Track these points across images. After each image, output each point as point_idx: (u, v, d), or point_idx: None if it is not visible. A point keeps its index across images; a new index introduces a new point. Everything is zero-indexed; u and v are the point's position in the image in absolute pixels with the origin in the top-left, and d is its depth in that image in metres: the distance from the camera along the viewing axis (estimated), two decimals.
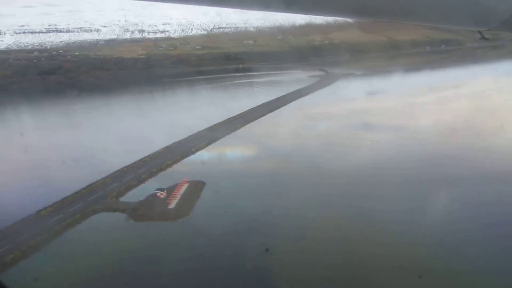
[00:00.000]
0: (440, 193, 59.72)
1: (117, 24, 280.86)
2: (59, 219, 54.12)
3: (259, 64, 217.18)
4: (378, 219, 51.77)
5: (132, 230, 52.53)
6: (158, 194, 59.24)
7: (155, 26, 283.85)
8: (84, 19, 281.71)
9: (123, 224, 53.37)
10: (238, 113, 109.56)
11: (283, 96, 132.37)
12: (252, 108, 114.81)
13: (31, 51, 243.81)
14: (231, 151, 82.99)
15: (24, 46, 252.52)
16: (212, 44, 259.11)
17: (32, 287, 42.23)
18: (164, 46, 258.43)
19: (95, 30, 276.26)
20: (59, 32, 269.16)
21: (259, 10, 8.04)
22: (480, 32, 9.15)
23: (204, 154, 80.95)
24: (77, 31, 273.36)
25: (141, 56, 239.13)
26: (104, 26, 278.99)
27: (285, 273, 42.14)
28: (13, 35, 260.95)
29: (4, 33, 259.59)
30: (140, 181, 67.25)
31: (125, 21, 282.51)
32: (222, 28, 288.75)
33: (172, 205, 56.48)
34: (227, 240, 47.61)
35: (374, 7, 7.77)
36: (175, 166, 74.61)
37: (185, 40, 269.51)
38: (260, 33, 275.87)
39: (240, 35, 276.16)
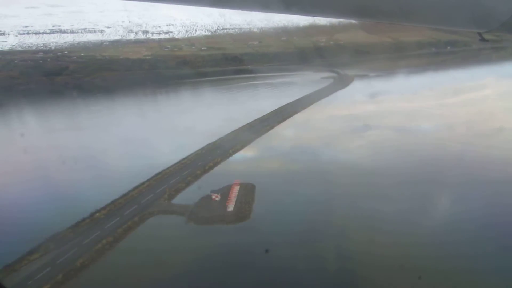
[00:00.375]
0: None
1: (121, 25, 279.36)
2: (117, 222, 53.93)
3: (266, 66, 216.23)
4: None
5: (197, 233, 52.32)
6: (213, 196, 59.03)
7: (159, 27, 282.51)
8: (88, 20, 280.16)
9: (185, 227, 53.18)
10: (265, 113, 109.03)
11: (304, 97, 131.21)
12: (278, 109, 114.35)
13: (36, 52, 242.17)
14: (270, 152, 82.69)
15: (29, 47, 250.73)
16: (217, 45, 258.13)
17: None
18: (169, 47, 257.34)
19: (99, 31, 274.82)
20: (63, 33, 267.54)
21: (259, 11, 8.21)
22: (479, 34, 9.32)
23: (243, 155, 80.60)
24: (81, 32, 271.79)
25: (147, 57, 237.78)
26: (108, 27, 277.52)
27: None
28: (17, 35, 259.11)
29: (8, 34, 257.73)
30: (187, 183, 66.97)
31: (129, 22, 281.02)
32: (226, 29, 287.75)
33: (230, 208, 56.30)
34: (301, 243, 47.61)
35: (374, 9, 7.99)
36: (217, 168, 74.01)
37: (190, 41, 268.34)
38: (264, 34, 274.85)
39: (244, 36, 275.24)
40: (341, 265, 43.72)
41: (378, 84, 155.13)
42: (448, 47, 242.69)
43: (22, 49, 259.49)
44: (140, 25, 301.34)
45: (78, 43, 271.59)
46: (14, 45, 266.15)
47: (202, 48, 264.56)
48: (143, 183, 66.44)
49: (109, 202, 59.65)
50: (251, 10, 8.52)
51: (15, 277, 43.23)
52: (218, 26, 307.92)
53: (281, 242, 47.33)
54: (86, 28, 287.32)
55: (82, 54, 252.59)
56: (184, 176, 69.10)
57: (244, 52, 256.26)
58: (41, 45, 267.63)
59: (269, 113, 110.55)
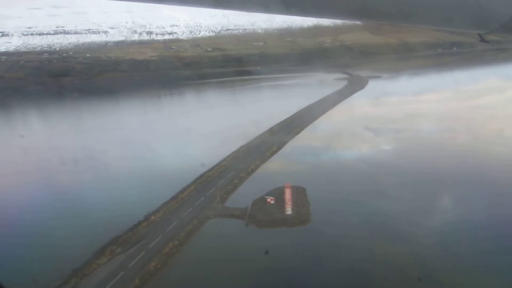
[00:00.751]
0: None
1: (125, 26, 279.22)
2: (177, 225, 53.58)
3: (274, 67, 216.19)
4: None
5: (262, 236, 51.90)
6: (268, 200, 58.49)
7: (163, 27, 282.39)
8: (91, 21, 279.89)
9: (247, 230, 52.86)
10: (291, 114, 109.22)
11: (325, 98, 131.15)
12: (303, 110, 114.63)
13: (41, 53, 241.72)
14: (307, 153, 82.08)
15: (33, 48, 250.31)
16: (222, 46, 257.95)
17: None
18: (174, 48, 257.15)
19: (103, 31, 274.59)
20: (67, 34, 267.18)
21: (260, 12, 8.20)
22: (479, 35, 9.42)
23: (282, 157, 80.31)
24: (85, 33, 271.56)
25: (153, 58, 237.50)
26: (112, 28, 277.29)
27: None
28: (20, 36, 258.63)
29: (12, 35, 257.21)
30: (235, 186, 66.51)
31: (133, 22, 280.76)
32: (230, 30, 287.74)
33: (289, 211, 55.61)
34: (373, 246, 47.43)
35: (374, 10, 8.00)
36: (260, 171, 73.57)
37: (194, 42, 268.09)
38: (269, 35, 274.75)
39: (249, 37, 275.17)
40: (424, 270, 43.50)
41: (394, 85, 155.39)
42: (454, 48, 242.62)
43: (26, 50, 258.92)
44: (144, 26, 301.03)
45: (83, 44, 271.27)
46: (18, 46, 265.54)
47: (208, 49, 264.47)
48: (188, 186, 66.04)
49: (160, 205, 59.43)
50: (252, 11, 8.57)
51: (88, 282, 42.87)
52: (222, 27, 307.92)
53: (350, 245, 47.14)
54: (90, 29, 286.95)
55: (88, 55, 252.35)
56: (229, 179, 68.62)
57: (249, 53, 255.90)
58: (46, 46, 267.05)
59: (295, 114, 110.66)
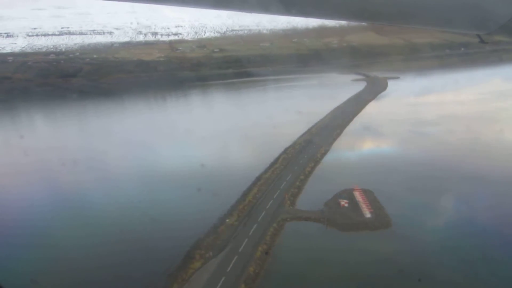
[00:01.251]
0: None
1: (130, 27, 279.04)
2: (257, 228, 53.21)
3: (284, 67, 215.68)
4: None
5: (348, 240, 50.88)
6: (342, 202, 58.02)
7: (168, 28, 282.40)
8: (96, 21, 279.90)
9: (330, 233, 52.30)
10: (323, 116, 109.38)
11: (351, 98, 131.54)
12: (334, 110, 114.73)
13: (47, 53, 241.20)
14: (356, 153, 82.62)
15: (39, 48, 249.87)
16: (228, 47, 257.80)
17: None
18: (180, 48, 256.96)
19: (108, 32, 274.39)
20: (72, 34, 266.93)
21: (259, 13, 8.30)
22: (479, 36, 9.32)
23: (333, 158, 79.97)
24: (90, 34, 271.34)
25: (160, 59, 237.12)
26: (117, 29, 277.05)
27: None
28: (25, 37, 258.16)
29: (17, 36, 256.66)
30: (298, 188, 65.74)
31: (137, 23, 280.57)
32: (235, 30, 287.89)
33: (368, 214, 55.19)
34: (466, 249, 46.95)
35: (373, 11, 7.97)
36: (317, 173, 72.74)
37: (200, 42, 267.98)
38: (274, 36, 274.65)
39: (254, 37, 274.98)
40: None
41: (416, 86, 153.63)
42: (462, 49, 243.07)
43: (32, 51, 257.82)
44: (149, 26, 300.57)
45: (88, 45, 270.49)
46: (24, 47, 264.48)
47: (215, 50, 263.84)
48: (250, 189, 65.45)
49: (229, 207, 59.05)
50: (251, 12, 8.48)
51: (191, 287, 42.47)
52: (227, 28, 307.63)
53: (442, 249, 47.20)
54: (95, 30, 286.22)
55: (95, 56, 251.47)
56: (290, 181, 68.06)
57: (257, 54, 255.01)
58: (51, 47, 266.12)
59: (328, 115, 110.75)
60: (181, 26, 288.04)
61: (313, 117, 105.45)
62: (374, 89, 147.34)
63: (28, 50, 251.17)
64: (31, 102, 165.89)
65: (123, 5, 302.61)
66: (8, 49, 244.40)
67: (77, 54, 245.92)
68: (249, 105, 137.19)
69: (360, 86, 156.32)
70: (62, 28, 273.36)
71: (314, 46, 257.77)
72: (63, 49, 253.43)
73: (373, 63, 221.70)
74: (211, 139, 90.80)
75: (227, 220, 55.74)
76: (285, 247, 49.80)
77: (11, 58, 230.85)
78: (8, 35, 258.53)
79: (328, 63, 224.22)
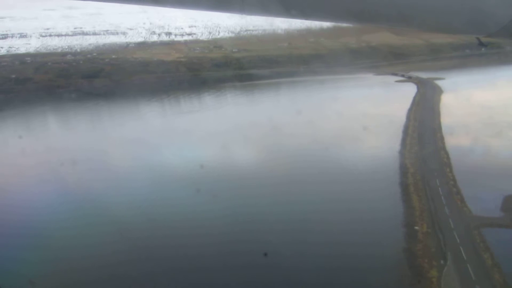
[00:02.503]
0: None
1: (143, 27, 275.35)
2: (457, 236, 51.54)
3: (308, 67, 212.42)
4: None
5: None
6: None
7: (182, 28, 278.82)
8: (109, 22, 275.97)
9: None
10: (403, 117, 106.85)
11: (417, 100, 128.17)
12: (410, 112, 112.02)
13: (63, 54, 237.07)
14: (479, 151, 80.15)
15: (54, 49, 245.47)
16: (246, 47, 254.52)
17: None
18: (197, 49, 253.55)
19: (121, 33, 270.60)
20: (85, 35, 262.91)
21: (259, 15, 8.85)
22: (478, 38, 9.98)
23: (461, 156, 78.29)
24: (103, 34, 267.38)
25: (181, 59, 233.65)
26: (130, 29, 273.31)
27: None
28: (39, 38, 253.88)
29: (30, 36, 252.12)
30: (458, 193, 63.97)
31: (150, 23, 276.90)
32: (249, 30, 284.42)
33: None
34: None
35: (373, 13, 8.02)
36: (458, 175, 70.71)
37: (216, 43, 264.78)
38: (290, 36, 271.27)
39: (270, 37, 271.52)
40: None
41: (472, 85, 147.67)
42: (483, 49, 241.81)
43: (47, 51, 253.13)
44: (162, 26, 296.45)
45: (103, 45, 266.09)
46: (38, 47, 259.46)
47: (233, 50, 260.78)
48: (408, 195, 64.26)
49: (396, 213, 57.56)
50: (251, 15, 8.69)
51: None
52: (241, 28, 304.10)
53: None
54: (108, 30, 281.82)
55: (113, 56, 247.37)
56: (442, 185, 66.91)
57: (277, 54, 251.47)
58: (66, 47, 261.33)
59: (408, 116, 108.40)
60: (195, 26, 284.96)
61: (397, 120, 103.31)
62: (431, 91, 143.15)
63: (43, 50, 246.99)
64: (61, 104, 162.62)
65: (133, 5, 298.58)
66: (22, 50, 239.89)
67: (94, 54, 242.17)
68: (319, 107, 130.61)
69: (409, 88, 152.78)
70: (75, 28, 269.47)
71: (333, 46, 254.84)
72: (78, 50, 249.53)
73: (398, 63, 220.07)
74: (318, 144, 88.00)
75: (416, 227, 53.89)
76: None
77: (28, 58, 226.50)
78: (22, 36, 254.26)
79: (352, 63, 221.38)
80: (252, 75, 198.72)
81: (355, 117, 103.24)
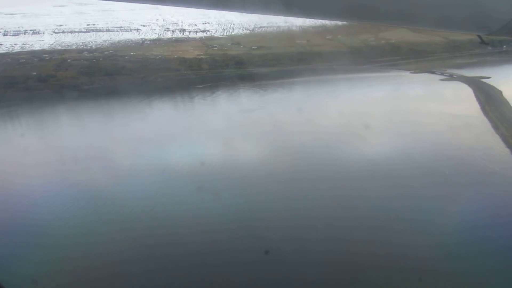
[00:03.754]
0: None
1: (156, 24, 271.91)
2: None
3: (336, 64, 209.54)
4: None
5: None
6: None
7: (195, 25, 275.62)
8: (121, 18, 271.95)
9: None
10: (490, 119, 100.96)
11: (487, 99, 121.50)
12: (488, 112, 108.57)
13: (80, 51, 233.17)
14: None
15: (68, 45, 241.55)
16: (264, 43, 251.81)
17: None
18: (216, 46, 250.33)
19: (135, 29, 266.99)
20: (98, 31, 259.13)
21: (260, 13, 8.36)
22: (479, 37, 9.63)
23: None
24: (117, 31, 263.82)
25: (201, 56, 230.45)
26: (144, 26, 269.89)
27: None
28: (52, 34, 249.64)
29: (43, 33, 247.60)
30: None
31: (163, 20, 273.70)
32: (264, 27, 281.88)
33: None
34: None
35: (373, 11, 7.93)
36: None
37: (232, 39, 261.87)
38: (306, 33, 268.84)
39: (285, 34, 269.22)
40: None
41: None
42: (504, 46, 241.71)
43: (62, 48, 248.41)
44: (175, 23, 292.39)
45: (119, 42, 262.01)
46: (52, 44, 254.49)
47: (252, 47, 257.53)
48: None
49: None
50: (252, 13, 8.56)
51: None
52: (255, 25, 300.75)
53: None
54: (121, 27, 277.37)
55: (132, 53, 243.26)
56: None
57: (298, 51, 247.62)
58: (80, 43, 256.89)
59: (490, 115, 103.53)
60: (208, 23, 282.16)
61: (480, 120, 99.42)
62: (490, 90, 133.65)
63: (58, 47, 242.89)
64: (91, 101, 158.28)
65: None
66: (37, 46, 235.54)
67: (111, 51, 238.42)
68: (389, 106, 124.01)
69: (461, 86, 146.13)
70: (88, 25, 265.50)
71: (352, 43, 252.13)
72: (94, 47, 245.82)
73: (423, 61, 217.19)
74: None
75: None
76: None
77: (47, 55, 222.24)
78: (34, 32, 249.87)
79: (376, 61, 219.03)
80: (280, 72, 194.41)
81: (435, 117, 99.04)
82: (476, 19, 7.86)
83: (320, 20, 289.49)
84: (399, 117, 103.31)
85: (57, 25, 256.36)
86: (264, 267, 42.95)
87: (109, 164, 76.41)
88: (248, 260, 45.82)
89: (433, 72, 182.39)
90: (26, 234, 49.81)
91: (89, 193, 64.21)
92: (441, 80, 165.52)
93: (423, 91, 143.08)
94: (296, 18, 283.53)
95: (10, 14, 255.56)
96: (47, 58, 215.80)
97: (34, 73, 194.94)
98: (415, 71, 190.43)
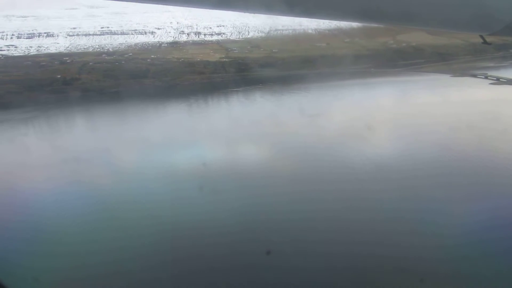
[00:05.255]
0: None
1: (171, 26, 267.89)
2: None
3: (366, 67, 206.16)
4: None
5: None
6: None
7: (210, 28, 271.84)
8: (135, 21, 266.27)
9: None
10: None
11: None
12: None
13: (99, 54, 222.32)
14: None
15: (84, 48, 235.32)
16: (283, 46, 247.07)
17: None
18: (235, 48, 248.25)
19: (149, 32, 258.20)
20: (113, 34, 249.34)
21: (262, 13, 9.40)
22: (482, 37, 9.44)
23: None
24: (132, 34, 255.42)
25: (224, 59, 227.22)
26: (158, 29, 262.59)
27: None
28: (66, 37, 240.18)
29: (57, 35, 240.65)
30: None
31: (177, 23, 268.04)
32: (279, 30, 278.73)
33: None
34: None
35: (376, 11, 7.94)
36: None
37: (250, 42, 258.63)
38: (322, 35, 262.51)
39: (303, 37, 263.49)
40: None
41: None
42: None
43: (79, 51, 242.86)
44: (190, 26, 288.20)
45: (136, 45, 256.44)
46: (68, 47, 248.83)
47: (273, 50, 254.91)
48: None
49: None
50: (254, 13, 9.43)
51: None
52: (270, 27, 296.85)
53: None
54: (136, 30, 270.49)
55: (152, 56, 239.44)
56: None
57: (319, 54, 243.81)
58: (97, 46, 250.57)
59: None
60: (223, 26, 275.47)
61: None
62: None
63: (74, 50, 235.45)
64: (122, 103, 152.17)
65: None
66: (52, 49, 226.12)
67: (130, 54, 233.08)
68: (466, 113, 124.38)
69: None
70: (102, 27, 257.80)
71: (373, 46, 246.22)
72: (111, 49, 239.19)
73: (453, 64, 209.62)
74: None
75: None
76: None
77: (67, 58, 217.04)
78: (48, 35, 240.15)
79: (403, 64, 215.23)
80: (311, 75, 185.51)
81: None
82: (478, 19, 7.62)
83: (335, 23, 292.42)
84: (479, 124, 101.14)
85: (71, 28, 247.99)
86: (270, 269, 39.73)
87: (145, 169, 72.86)
88: (254, 262, 42.75)
89: (474, 76, 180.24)
90: (37, 232, 46.50)
91: (107, 196, 60.82)
92: (491, 84, 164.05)
93: (482, 96, 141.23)
94: (311, 21, 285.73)
95: (23, 17, 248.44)
96: (68, 61, 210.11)
97: (58, 76, 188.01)
98: (455, 74, 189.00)
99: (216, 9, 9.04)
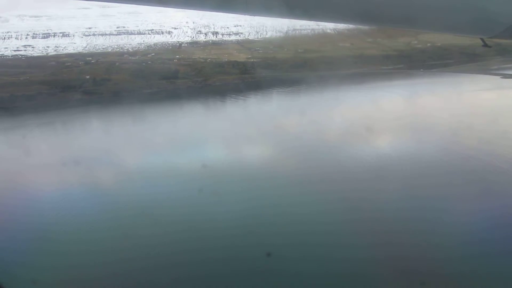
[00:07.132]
0: None
1: (187, 26, 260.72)
2: None
3: (400, 68, 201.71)
4: None
5: None
6: None
7: (227, 28, 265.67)
8: (150, 21, 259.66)
9: None
10: None
11: None
12: None
13: (121, 54, 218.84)
14: None
15: (103, 48, 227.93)
16: (308, 47, 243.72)
17: None
18: (258, 49, 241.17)
19: (166, 32, 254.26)
20: (130, 34, 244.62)
21: (262, 16, 10.04)
22: (482, 40, 9.82)
23: None
24: (149, 33, 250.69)
25: (252, 60, 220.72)
26: (175, 28, 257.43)
27: None
28: (82, 37, 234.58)
29: (73, 35, 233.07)
30: None
31: (193, 22, 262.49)
32: (297, 30, 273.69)
33: None
34: None
35: (377, 14, 8.44)
36: None
37: (270, 42, 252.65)
38: (343, 35, 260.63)
39: (323, 37, 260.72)
40: None
41: None
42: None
43: (99, 51, 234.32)
44: (207, 26, 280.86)
45: (155, 45, 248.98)
46: (85, 47, 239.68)
47: (299, 50, 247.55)
48: None
49: None
50: (254, 15, 9.67)
51: None
52: (288, 27, 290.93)
53: None
54: (153, 29, 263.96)
55: (177, 56, 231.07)
56: None
57: (348, 54, 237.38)
58: (115, 46, 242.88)
59: None
60: (240, 26, 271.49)
61: None
62: None
63: (93, 50, 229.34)
64: (161, 104, 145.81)
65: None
66: (70, 49, 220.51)
67: (153, 54, 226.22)
68: None
69: None
70: (117, 27, 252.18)
71: (397, 46, 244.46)
72: (130, 49, 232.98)
73: (486, 64, 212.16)
74: None
75: None
76: None
77: (90, 58, 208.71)
78: (64, 35, 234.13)
79: (433, 65, 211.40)
80: (347, 76, 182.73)
81: None
82: (479, 22, 7.99)
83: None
84: None
85: (86, 28, 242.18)
86: (271, 271, 34.02)
87: (189, 170, 67.55)
88: (255, 264, 37.14)
89: (506, 76, 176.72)
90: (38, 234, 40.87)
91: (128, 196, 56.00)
92: None
93: None
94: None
95: (36, 17, 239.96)
96: (92, 61, 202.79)
97: (88, 77, 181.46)
98: (505, 76, 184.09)
99: (216, 11, 8.95)
